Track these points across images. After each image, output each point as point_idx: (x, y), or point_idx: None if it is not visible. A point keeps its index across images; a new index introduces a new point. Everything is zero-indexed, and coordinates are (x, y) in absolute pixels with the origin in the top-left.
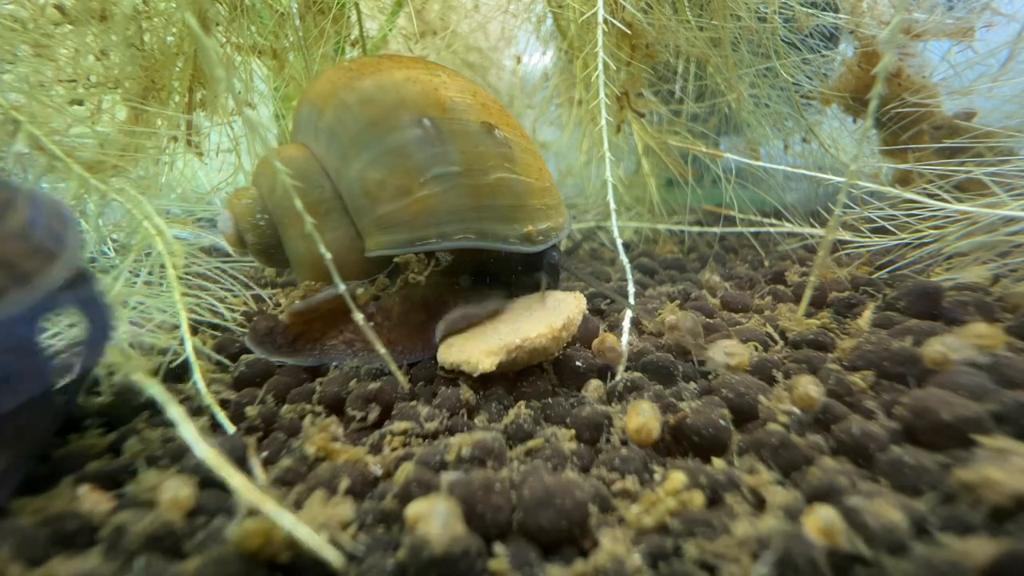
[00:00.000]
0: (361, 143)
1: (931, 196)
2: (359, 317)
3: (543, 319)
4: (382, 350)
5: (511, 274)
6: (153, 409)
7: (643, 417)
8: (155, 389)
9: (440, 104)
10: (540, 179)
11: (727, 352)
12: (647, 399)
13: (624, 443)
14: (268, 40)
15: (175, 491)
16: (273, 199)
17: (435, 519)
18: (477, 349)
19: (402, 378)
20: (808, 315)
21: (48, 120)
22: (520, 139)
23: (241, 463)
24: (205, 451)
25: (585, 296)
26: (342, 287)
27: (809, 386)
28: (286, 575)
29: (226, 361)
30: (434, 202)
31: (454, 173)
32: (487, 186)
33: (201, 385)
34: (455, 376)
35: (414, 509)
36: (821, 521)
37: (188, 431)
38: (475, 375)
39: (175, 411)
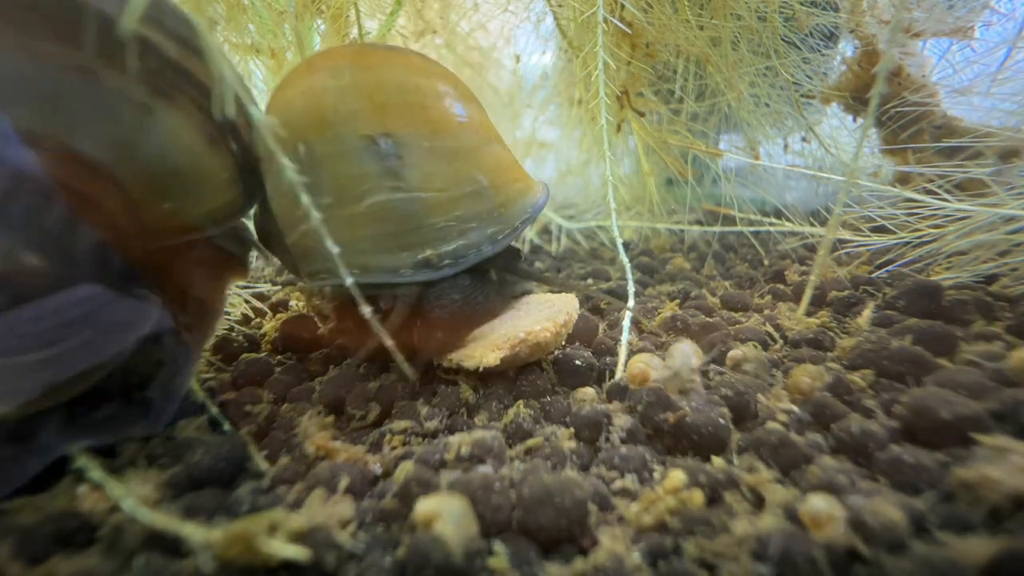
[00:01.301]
0: (266, 170)
1: (930, 194)
2: (367, 311)
3: (543, 315)
4: (390, 342)
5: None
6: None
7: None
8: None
9: (319, 122)
10: (450, 187)
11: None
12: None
13: (623, 441)
14: (266, 39)
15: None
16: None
17: (447, 519)
18: (479, 346)
19: (408, 369)
20: (808, 314)
21: None
22: (427, 141)
23: (240, 463)
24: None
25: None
26: (349, 280)
27: (803, 377)
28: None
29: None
30: (311, 239)
31: (326, 205)
32: (360, 215)
33: (197, 387)
34: (454, 376)
35: (424, 507)
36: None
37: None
38: (479, 370)
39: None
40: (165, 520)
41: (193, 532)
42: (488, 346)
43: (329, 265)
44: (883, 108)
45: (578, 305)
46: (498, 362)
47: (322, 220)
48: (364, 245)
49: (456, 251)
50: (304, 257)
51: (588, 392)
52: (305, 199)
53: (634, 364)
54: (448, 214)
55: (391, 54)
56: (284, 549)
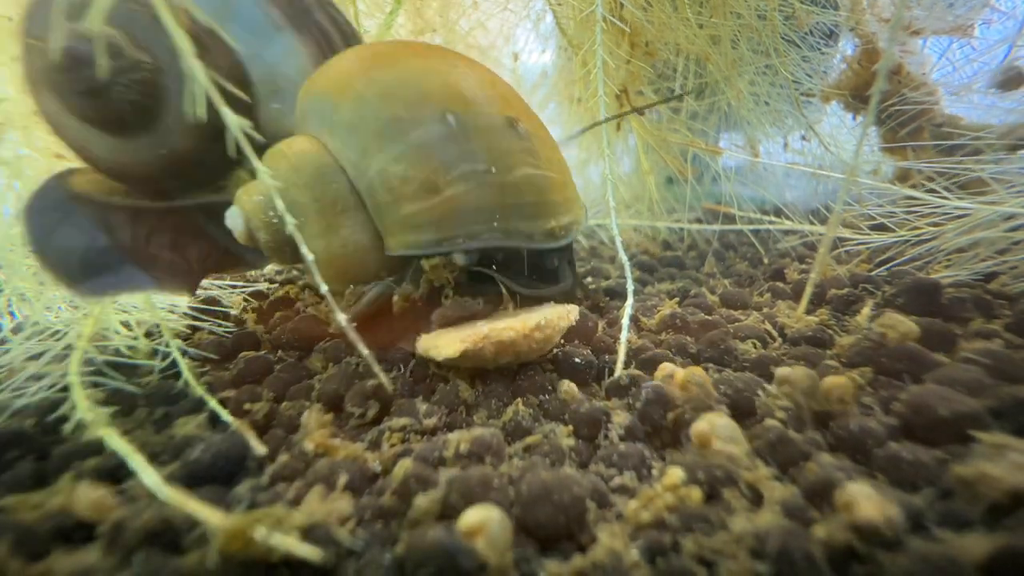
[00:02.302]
0: (383, 139)
1: (930, 192)
2: (341, 318)
3: (519, 317)
4: (365, 351)
5: (532, 272)
6: (152, 407)
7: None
8: (116, 443)
9: (462, 98)
10: (560, 173)
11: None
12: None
13: (622, 439)
14: None
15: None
16: (287, 196)
17: (490, 529)
18: (448, 337)
19: (385, 379)
20: (807, 312)
21: None
22: (540, 131)
23: (240, 461)
24: (169, 493)
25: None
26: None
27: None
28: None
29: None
30: (461, 201)
31: (480, 171)
32: (512, 184)
33: (192, 380)
34: (450, 372)
35: (468, 519)
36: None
37: (150, 478)
38: (439, 360)
39: (136, 461)
40: (182, 499)
41: (210, 515)
42: (454, 339)
43: (471, 228)
44: (883, 106)
45: (575, 318)
46: (457, 355)
47: (476, 185)
48: (513, 211)
49: (568, 225)
50: (439, 221)
51: (571, 387)
52: (465, 165)
53: (699, 427)
54: (561, 194)
55: (462, 55)
56: (298, 548)
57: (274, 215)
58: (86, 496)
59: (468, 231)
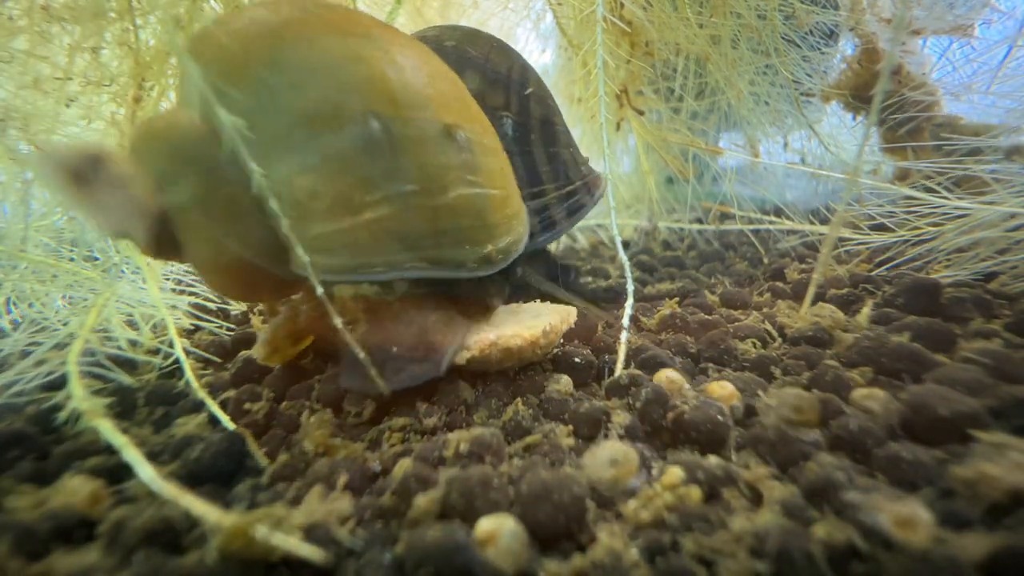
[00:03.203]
0: (290, 141)
1: (930, 192)
2: (338, 322)
3: (523, 323)
4: (362, 354)
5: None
6: (152, 406)
7: None
8: (111, 434)
9: (391, 98)
10: (503, 186)
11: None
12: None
13: (622, 438)
14: None
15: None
16: (166, 185)
17: (504, 538)
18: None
19: (381, 382)
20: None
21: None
22: (483, 137)
23: (240, 460)
24: (169, 490)
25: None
26: (320, 289)
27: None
28: (287, 569)
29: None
30: (383, 227)
31: (408, 192)
32: (446, 207)
33: (193, 382)
34: (450, 372)
35: (483, 527)
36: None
37: (145, 472)
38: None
39: (130, 454)
40: (178, 494)
41: (208, 511)
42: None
43: (393, 257)
44: (883, 105)
45: (573, 320)
46: (464, 362)
47: (402, 209)
48: (444, 238)
49: (508, 246)
50: (354, 247)
51: (564, 379)
52: (390, 185)
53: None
54: (501, 212)
55: (406, 35)
56: (299, 547)
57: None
58: (81, 489)
59: (388, 260)
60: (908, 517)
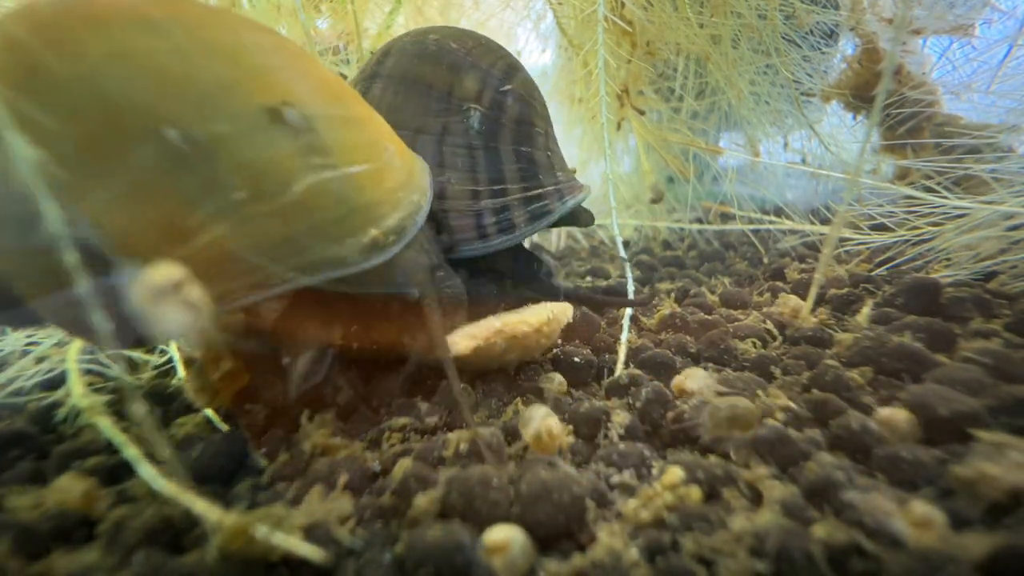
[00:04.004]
0: (84, 170)
1: (929, 192)
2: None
3: (525, 312)
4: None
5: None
6: (151, 406)
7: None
8: (110, 430)
9: (180, 94)
10: (371, 158)
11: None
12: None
13: (622, 438)
14: None
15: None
16: None
17: (514, 550)
18: (456, 335)
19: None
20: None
21: None
22: (329, 108)
23: (239, 459)
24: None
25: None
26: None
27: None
28: (286, 569)
29: None
30: (224, 247)
31: (238, 202)
32: (295, 204)
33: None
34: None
35: (490, 536)
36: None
37: (144, 469)
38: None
39: (130, 452)
40: (178, 491)
41: (207, 509)
42: (464, 335)
43: (252, 278)
44: (884, 104)
45: (570, 312)
46: (469, 351)
47: (237, 222)
48: (305, 240)
49: (399, 225)
50: (204, 279)
51: (557, 378)
52: (212, 199)
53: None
54: (378, 186)
55: (202, 7)
56: (299, 547)
57: None
58: (74, 488)
59: (248, 282)
60: (925, 518)
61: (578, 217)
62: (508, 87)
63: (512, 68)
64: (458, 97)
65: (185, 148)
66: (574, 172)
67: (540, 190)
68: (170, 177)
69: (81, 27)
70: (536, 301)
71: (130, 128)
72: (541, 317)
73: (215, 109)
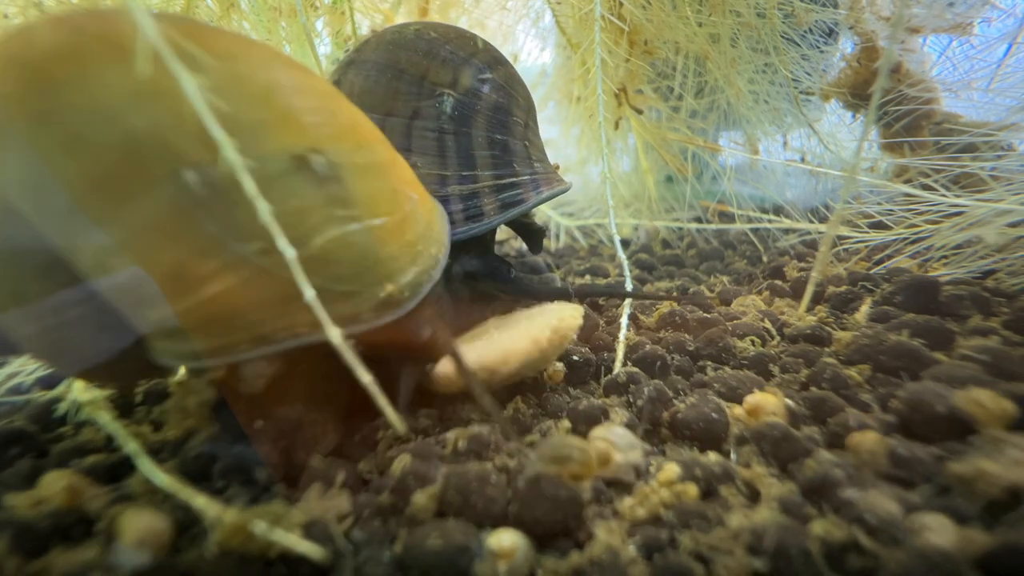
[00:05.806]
0: (89, 215)
1: (928, 190)
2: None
3: (525, 333)
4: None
5: None
6: (150, 405)
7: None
8: (110, 424)
9: (203, 135)
10: (394, 209)
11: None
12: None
13: None
14: (261, 36)
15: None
16: None
17: (518, 557)
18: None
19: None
20: (806, 310)
21: None
22: (355, 154)
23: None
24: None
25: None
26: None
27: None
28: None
29: None
30: (234, 299)
31: (256, 252)
32: (315, 257)
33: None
34: None
35: (497, 541)
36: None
37: (145, 465)
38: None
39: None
40: (178, 487)
41: (207, 506)
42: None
43: (259, 331)
44: (883, 103)
45: (580, 314)
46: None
47: (252, 273)
48: (320, 295)
49: (415, 280)
50: (205, 328)
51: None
52: (229, 248)
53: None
54: (399, 240)
55: (236, 39)
56: (298, 544)
57: None
58: (55, 483)
59: (254, 334)
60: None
61: (531, 235)
62: (487, 76)
63: (496, 61)
64: (431, 82)
65: (203, 192)
66: (557, 168)
67: (514, 179)
68: (185, 221)
69: (105, 58)
70: (537, 302)
71: (148, 167)
72: (544, 332)
73: (240, 153)
